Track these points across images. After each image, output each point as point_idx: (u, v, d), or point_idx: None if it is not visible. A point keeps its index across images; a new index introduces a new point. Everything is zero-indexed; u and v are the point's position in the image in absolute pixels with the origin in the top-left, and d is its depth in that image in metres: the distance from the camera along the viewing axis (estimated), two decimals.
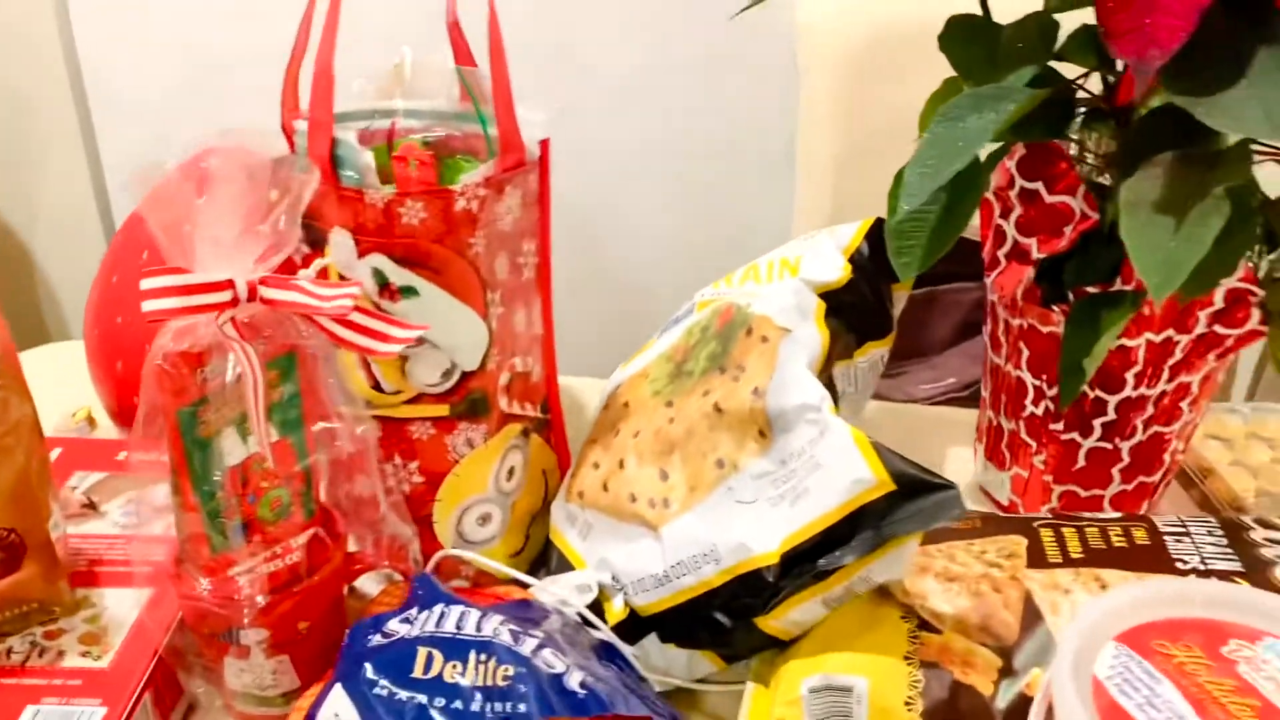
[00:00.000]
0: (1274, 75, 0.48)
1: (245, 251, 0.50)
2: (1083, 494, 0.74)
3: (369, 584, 0.63)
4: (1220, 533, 0.61)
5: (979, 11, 0.67)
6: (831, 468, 0.54)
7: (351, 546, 0.62)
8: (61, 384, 0.89)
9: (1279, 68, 0.48)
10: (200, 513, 0.53)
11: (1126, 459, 0.72)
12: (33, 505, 0.57)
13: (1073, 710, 0.43)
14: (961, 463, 0.86)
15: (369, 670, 0.47)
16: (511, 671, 0.45)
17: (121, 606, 0.61)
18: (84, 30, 1.57)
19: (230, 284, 0.49)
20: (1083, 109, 0.68)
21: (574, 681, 0.46)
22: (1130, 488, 0.73)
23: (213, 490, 0.53)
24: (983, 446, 0.80)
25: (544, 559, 0.69)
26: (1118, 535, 0.61)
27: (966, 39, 0.64)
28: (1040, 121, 0.66)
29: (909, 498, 0.53)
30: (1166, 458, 0.72)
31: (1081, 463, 0.72)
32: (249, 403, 0.50)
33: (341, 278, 0.58)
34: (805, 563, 0.55)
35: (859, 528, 0.54)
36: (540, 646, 0.48)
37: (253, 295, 0.50)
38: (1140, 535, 0.61)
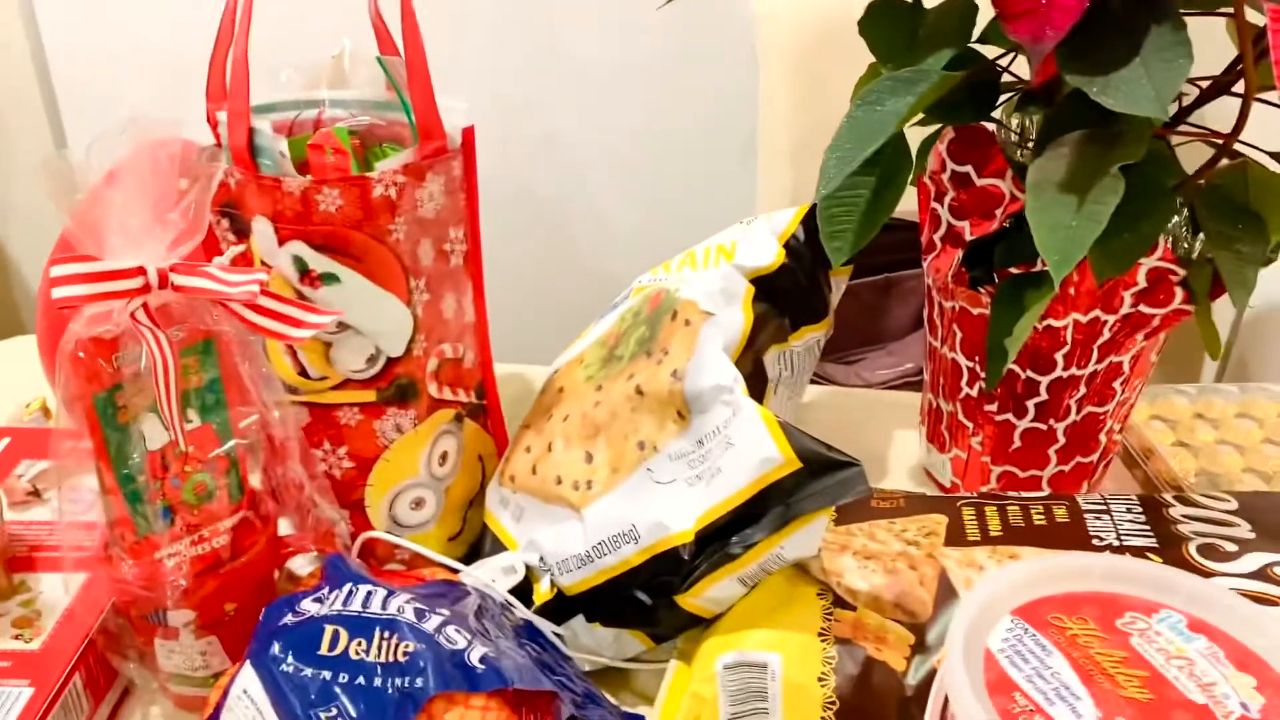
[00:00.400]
0: (1163, 54, 0.49)
1: (156, 239, 0.51)
2: (1021, 474, 0.74)
3: (300, 565, 0.64)
4: (1139, 510, 0.61)
5: None
6: (742, 447, 0.55)
7: (285, 530, 0.63)
8: (20, 376, 0.90)
9: (1168, 45, 0.49)
10: (122, 496, 0.54)
11: (1062, 439, 0.72)
12: None
13: (959, 681, 0.44)
14: (907, 445, 0.86)
15: (276, 648, 0.48)
16: (412, 648, 0.46)
17: (56, 591, 0.62)
18: (51, 29, 1.58)
19: (141, 271, 0.50)
20: (1011, 92, 0.68)
21: (474, 657, 0.47)
22: (1068, 468, 0.74)
23: (132, 474, 0.54)
24: (925, 429, 0.81)
25: (481, 542, 0.70)
26: (1039, 514, 0.62)
27: (886, 23, 0.65)
28: (966, 104, 0.66)
29: (815, 475, 0.54)
30: (1102, 437, 0.73)
31: (1017, 443, 0.73)
32: (157, 389, 0.51)
33: (265, 265, 0.59)
34: (719, 540, 0.56)
35: (768, 505, 0.55)
36: (444, 624, 0.48)
37: (164, 283, 0.51)
38: (1061, 513, 0.62)
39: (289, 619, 0.50)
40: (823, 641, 0.56)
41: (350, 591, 0.50)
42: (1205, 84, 0.63)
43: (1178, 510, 0.61)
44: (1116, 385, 0.70)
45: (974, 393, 0.73)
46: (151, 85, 1.57)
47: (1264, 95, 0.58)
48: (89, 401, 0.51)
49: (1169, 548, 0.58)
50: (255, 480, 0.62)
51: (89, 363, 0.51)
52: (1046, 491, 0.74)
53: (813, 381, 1.03)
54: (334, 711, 0.45)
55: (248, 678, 0.48)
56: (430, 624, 0.48)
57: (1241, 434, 0.82)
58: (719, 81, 1.47)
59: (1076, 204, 0.52)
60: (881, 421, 0.89)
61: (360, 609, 0.49)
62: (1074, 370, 0.69)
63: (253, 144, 0.57)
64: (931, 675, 0.54)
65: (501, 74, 1.52)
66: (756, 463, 0.54)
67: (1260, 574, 0.55)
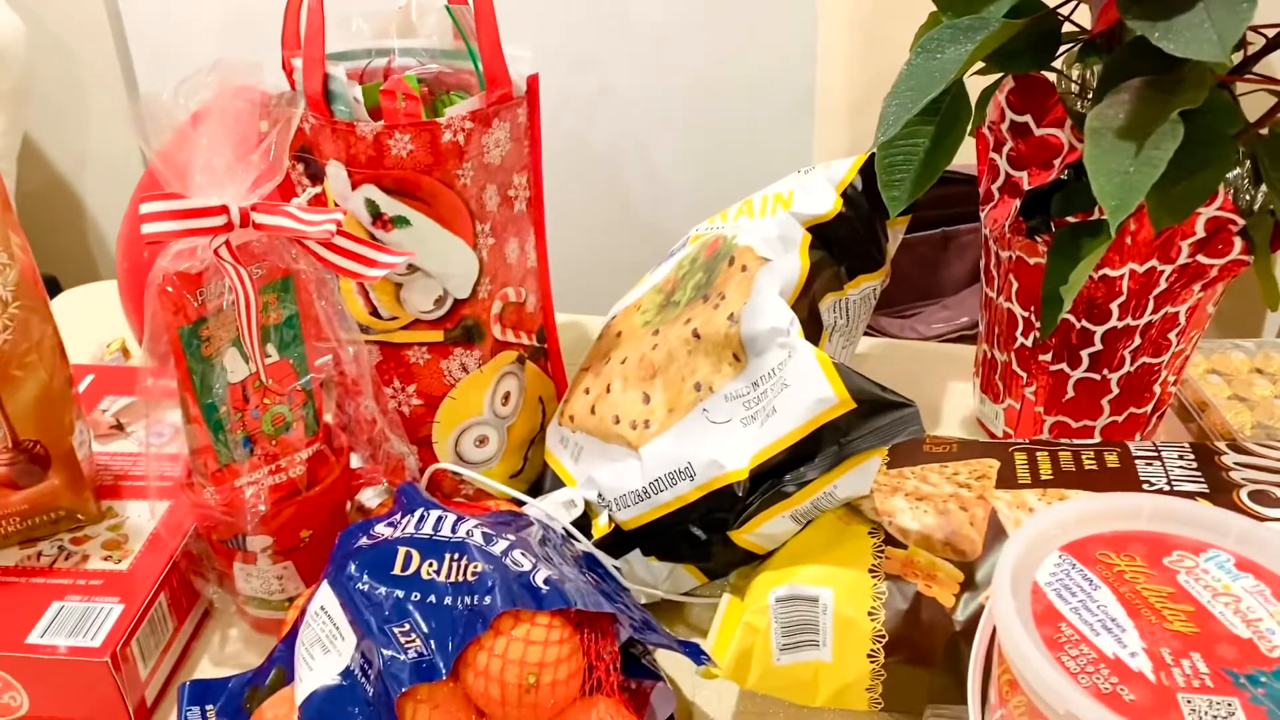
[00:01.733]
0: None
1: (238, 179, 0.53)
2: (1074, 425, 0.75)
3: (370, 497, 0.67)
4: (1191, 456, 0.62)
5: None
6: (797, 388, 0.57)
7: (356, 463, 0.66)
8: (101, 319, 0.94)
9: None
10: (205, 426, 0.57)
11: (1116, 390, 0.73)
12: (56, 419, 0.62)
13: (1006, 611, 0.45)
14: (962, 397, 0.87)
15: (352, 568, 0.50)
16: (480, 568, 0.49)
17: (143, 516, 0.66)
18: None
19: (224, 209, 0.53)
20: (1072, 41, 0.68)
21: (539, 578, 0.49)
22: (1121, 419, 0.74)
23: (215, 405, 0.57)
24: (979, 380, 0.81)
25: (542, 480, 0.72)
26: (1089, 459, 0.63)
27: None
28: (1025, 52, 0.66)
29: (868, 416, 0.55)
30: (1156, 389, 0.73)
31: (1071, 394, 0.73)
32: (240, 323, 0.54)
33: (338, 208, 0.62)
34: (773, 478, 0.58)
35: (822, 445, 0.56)
36: (511, 548, 0.51)
37: (245, 221, 0.53)
38: (1112, 459, 0.62)
39: (364, 541, 0.53)
40: (873, 577, 0.57)
41: (422, 516, 0.53)
42: (1271, 32, 0.63)
43: (1230, 458, 0.61)
44: (1172, 336, 0.70)
45: (1029, 343, 0.74)
46: (222, 34, 1.60)
47: None
48: (175, 334, 0.54)
49: (1220, 493, 0.58)
50: (330, 415, 0.65)
51: (175, 297, 0.53)
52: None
53: (867, 333, 1.04)
54: (407, 627, 0.47)
55: (325, 596, 0.51)
56: (497, 547, 0.51)
57: None
58: (776, 35, 1.46)
59: (1135, 150, 0.53)
60: (936, 373, 0.90)
61: (432, 533, 0.52)
62: (1129, 320, 0.69)
63: (327, 90, 0.60)
64: (979, 612, 0.56)
65: (559, 27, 1.53)
66: (811, 403, 0.56)
67: None
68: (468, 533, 0.51)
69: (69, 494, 0.64)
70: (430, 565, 0.50)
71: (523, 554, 0.50)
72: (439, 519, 0.52)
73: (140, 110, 0.51)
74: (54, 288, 1.22)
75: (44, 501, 0.63)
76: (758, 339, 0.60)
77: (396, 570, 0.50)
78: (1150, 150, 0.52)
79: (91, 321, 0.94)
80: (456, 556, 0.50)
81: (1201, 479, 0.60)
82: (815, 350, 0.57)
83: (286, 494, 0.60)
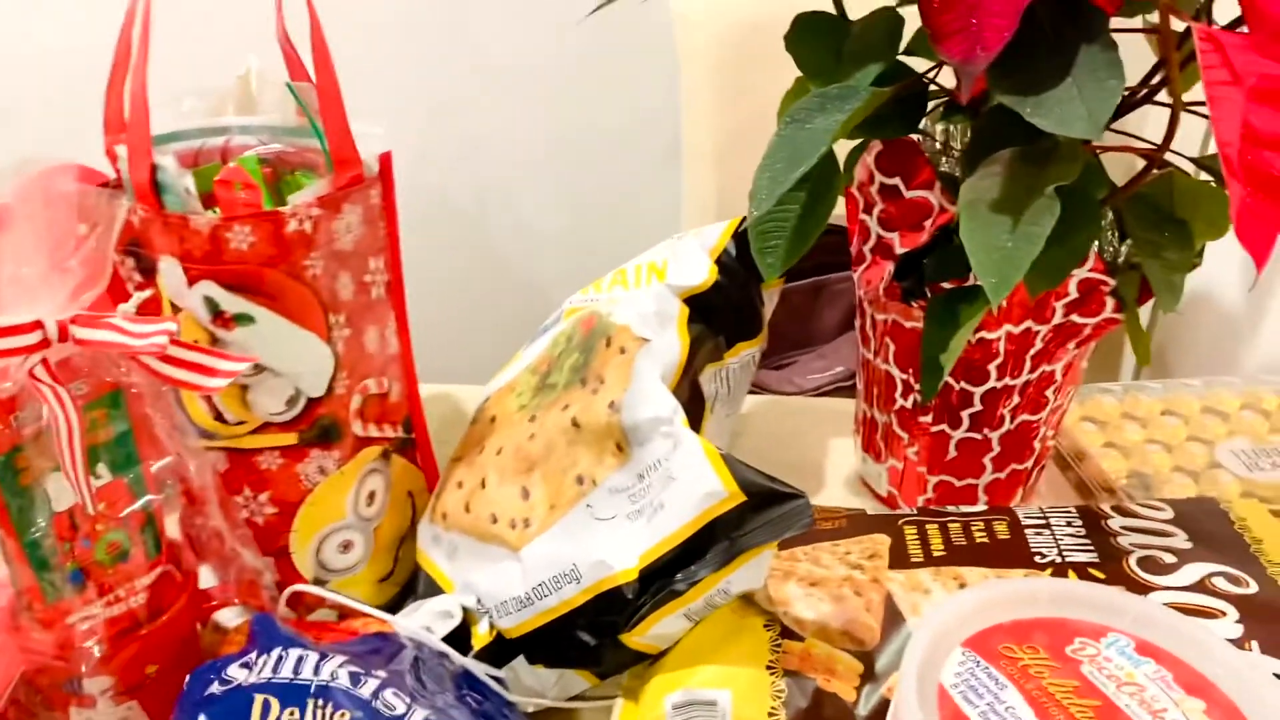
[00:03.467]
0: (1096, 74, 0.48)
1: (54, 289, 0.48)
2: (957, 484, 0.74)
3: (229, 618, 0.61)
4: (1079, 523, 0.61)
5: (830, 8, 0.66)
6: (684, 481, 0.54)
7: (208, 582, 0.60)
8: None
9: (1100, 66, 0.48)
10: (28, 564, 0.51)
11: (997, 448, 0.72)
12: None
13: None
14: (843, 454, 0.86)
15: None
16: (348, 717, 0.44)
17: None
18: None
19: (39, 325, 0.47)
20: (937, 102, 0.68)
21: None
22: (1004, 475, 0.74)
23: (38, 540, 0.50)
24: (860, 439, 0.80)
25: (414, 581, 0.68)
26: (980, 530, 0.62)
27: (813, 38, 0.63)
28: (893, 118, 0.65)
29: (760, 508, 0.52)
30: (1036, 444, 0.73)
31: (953, 453, 0.73)
32: (60, 449, 0.48)
33: (174, 307, 0.56)
34: (663, 577, 0.55)
35: (713, 540, 0.54)
36: (382, 687, 0.46)
37: (64, 336, 0.47)
38: (1002, 529, 0.61)
39: (215, 688, 0.47)
40: (771, 675, 0.55)
41: (280, 656, 0.48)
42: (1125, 92, 0.64)
43: (1116, 521, 0.61)
44: (1049, 393, 0.70)
45: (909, 404, 0.73)
46: (41, 114, 1.49)
47: (1189, 103, 0.58)
48: None
49: (1110, 561, 0.58)
50: (172, 530, 0.59)
51: None
52: (983, 503, 0.74)
53: None
54: None
55: None
56: (366, 688, 0.46)
57: (1168, 431, 0.83)
58: (640, 82, 1.45)
59: (1011, 225, 0.52)
60: (816, 429, 0.88)
61: (291, 675, 0.47)
62: (1007, 380, 0.69)
63: (156, 180, 0.54)
64: (883, 705, 0.54)
65: (414, 76, 1.48)
66: (700, 497, 0.53)
67: (1200, 586, 0.55)
68: (332, 674, 0.46)
69: None
70: (291, 714, 0.45)
71: (395, 694, 0.46)
72: (300, 658, 0.47)
73: None
74: None
75: None
76: (640, 428, 0.57)
77: None
78: (1028, 226, 0.51)
79: None
80: (321, 703, 0.45)
81: (1091, 548, 0.59)
82: (701, 440, 0.54)
83: (127, 627, 0.54)
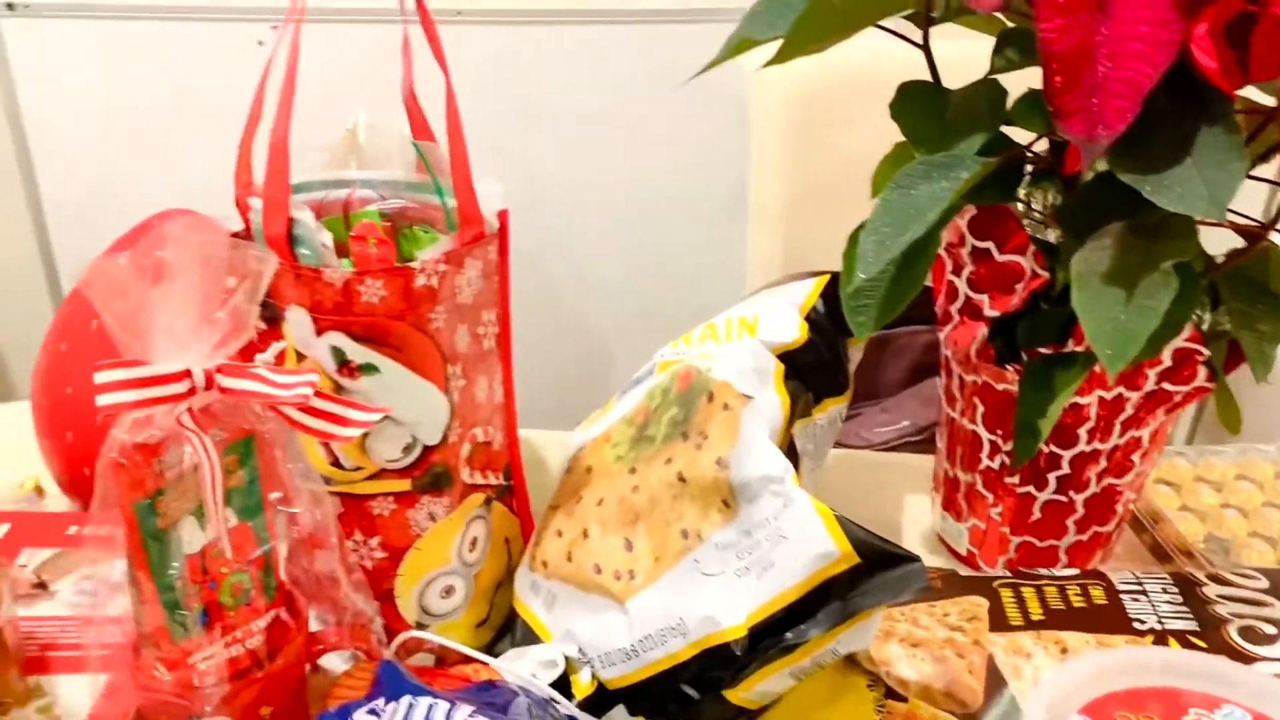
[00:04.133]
0: (1217, 155, 0.50)
1: (202, 339, 0.49)
2: (1039, 544, 0.75)
3: (334, 662, 0.62)
4: (1175, 590, 0.62)
5: (924, 64, 0.68)
6: (796, 540, 0.55)
7: (314, 625, 0.61)
8: (6, 448, 0.87)
9: (1222, 148, 0.50)
10: (160, 605, 0.52)
11: (1081, 510, 0.73)
12: None
13: None
14: (919, 510, 0.87)
15: None
16: None
17: (76, 694, 0.59)
18: (25, 79, 1.53)
19: (187, 374, 0.49)
20: (1030, 169, 0.69)
21: None
22: (1085, 538, 0.74)
23: (171, 582, 0.52)
24: (939, 497, 0.81)
25: (509, 627, 0.69)
26: (1076, 594, 0.62)
27: (917, 107, 0.65)
28: (992, 186, 0.67)
29: (874, 571, 0.53)
30: (1119, 508, 0.74)
31: (1037, 515, 0.73)
32: (205, 493, 0.49)
33: (299, 355, 0.58)
34: (772, 635, 0.55)
35: (825, 600, 0.54)
36: None
37: (210, 384, 0.49)
38: (1098, 595, 0.62)
39: None
40: None
41: (411, 705, 0.49)
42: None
43: (1212, 590, 0.62)
44: (1135, 458, 0.71)
45: (994, 464, 0.73)
46: (134, 151, 1.52)
47: None
48: (130, 510, 0.49)
49: (1210, 630, 0.58)
50: (283, 572, 0.60)
51: (131, 470, 0.49)
52: (1062, 563, 0.74)
53: None
54: None
55: None
56: None
57: (1243, 496, 0.83)
58: (707, 139, 1.47)
59: (1125, 298, 0.53)
60: (891, 485, 0.89)
61: None
62: (1096, 444, 0.70)
63: (291, 233, 0.56)
64: None
65: (487, 123, 1.50)
66: (812, 557, 0.54)
67: None
68: None
69: None
70: None
71: None
72: (430, 707, 0.48)
73: (96, 275, 0.46)
74: None
75: None
76: (750, 485, 0.58)
77: None
78: (1144, 300, 0.52)
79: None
80: None
81: (1190, 615, 0.60)
82: (814, 500, 0.55)
83: (245, 668, 0.55)
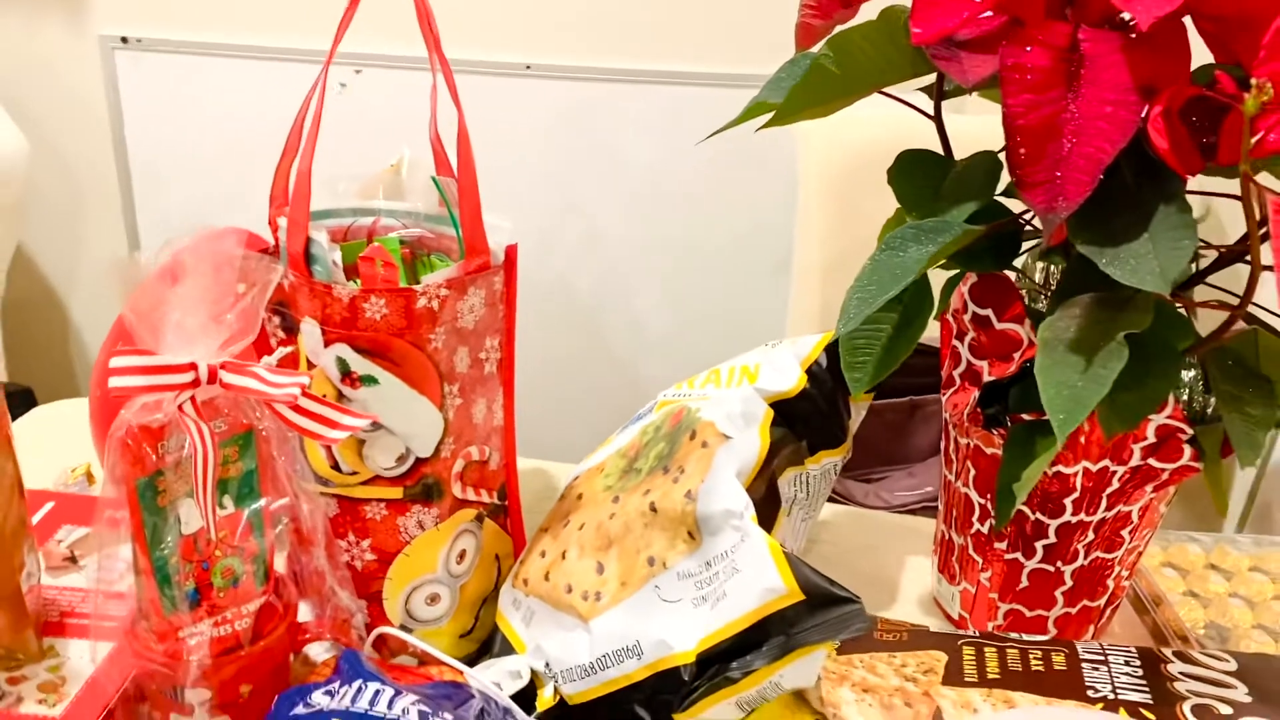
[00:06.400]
0: (1171, 232, 0.51)
1: (210, 337, 0.54)
2: (1028, 614, 0.75)
3: (318, 652, 0.66)
4: (1137, 663, 0.62)
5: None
6: (747, 574, 0.57)
7: (304, 616, 0.66)
8: (70, 439, 0.94)
9: (1175, 225, 0.51)
10: (153, 577, 0.57)
11: (1069, 582, 0.73)
12: (5, 559, 0.61)
13: None
14: (920, 572, 0.87)
15: None
16: None
17: (83, 658, 0.64)
18: (132, 105, 1.66)
19: (193, 367, 0.54)
20: (1036, 242, 0.71)
21: None
22: (1074, 611, 0.74)
23: (165, 556, 0.56)
24: (937, 559, 0.82)
25: (492, 641, 0.72)
26: (1037, 659, 0.63)
27: (914, 173, 0.68)
28: (987, 253, 0.69)
29: (816, 609, 0.55)
30: (1110, 583, 0.74)
31: (1025, 583, 0.74)
32: (195, 478, 0.54)
33: (309, 363, 0.63)
34: (719, 664, 0.58)
35: (769, 634, 0.56)
36: None
37: (213, 378, 0.54)
38: (1059, 660, 0.63)
39: (299, 710, 0.52)
40: None
41: (360, 689, 0.52)
42: (1224, 249, 0.66)
43: (1176, 667, 0.62)
44: (1125, 534, 0.71)
45: (984, 529, 0.74)
46: (217, 166, 1.65)
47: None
48: (132, 485, 0.54)
49: (1163, 705, 0.58)
50: (280, 565, 0.64)
51: (135, 449, 0.54)
52: (1050, 635, 0.74)
53: (832, 499, 1.04)
54: None
55: None
56: None
57: (1254, 588, 0.82)
58: (760, 196, 1.51)
59: (1083, 365, 0.55)
60: (896, 546, 0.90)
61: (368, 708, 0.51)
62: (1083, 516, 0.70)
63: (308, 251, 0.61)
64: None
65: (551, 175, 1.58)
66: (760, 591, 0.56)
67: None
68: (404, 710, 0.51)
69: (10, 633, 0.63)
70: None
71: None
72: (376, 692, 0.52)
73: (121, 269, 0.52)
74: (29, 400, 1.22)
75: None
76: (712, 519, 0.60)
77: None
78: (1098, 368, 0.53)
79: (61, 441, 0.94)
80: None
81: (1146, 689, 0.60)
82: (768, 538, 0.57)
83: (230, 647, 0.60)
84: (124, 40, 1.56)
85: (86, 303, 1.84)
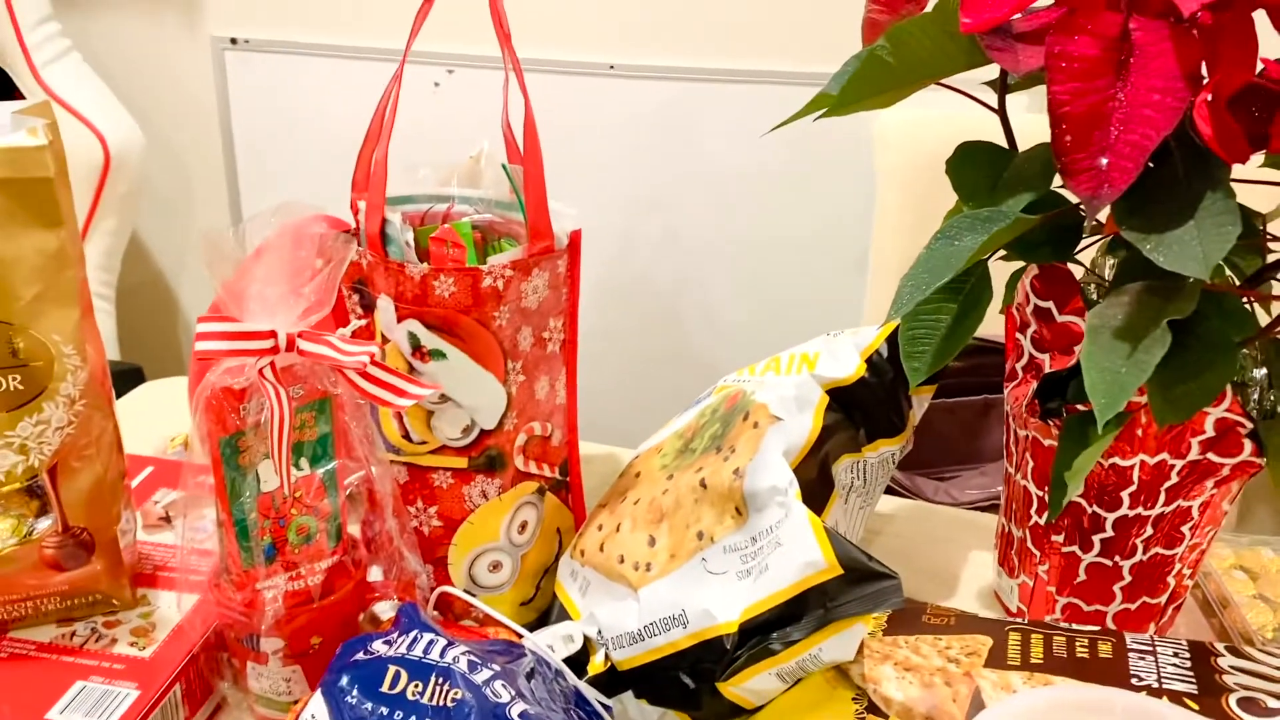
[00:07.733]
0: (1216, 218, 0.51)
1: (289, 308, 0.59)
2: (1085, 608, 0.75)
3: (384, 610, 0.70)
4: (1186, 655, 0.62)
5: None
6: (789, 548, 0.59)
7: (374, 576, 0.70)
8: (174, 412, 1.01)
9: (1220, 211, 0.51)
10: (233, 531, 0.61)
11: (1128, 577, 0.73)
12: (104, 510, 0.67)
13: None
14: (981, 567, 0.87)
15: (344, 680, 0.53)
16: (460, 695, 0.51)
17: (172, 608, 0.70)
18: (239, 102, 1.76)
19: (273, 334, 0.58)
20: (1103, 236, 0.71)
21: (514, 711, 0.51)
22: (1134, 607, 0.74)
23: (244, 512, 0.61)
24: (997, 552, 0.82)
25: (550, 610, 0.75)
26: (1083, 647, 0.63)
27: (972, 164, 0.68)
28: (1046, 244, 0.69)
29: (854, 583, 0.57)
30: (1171, 580, 0.73)
31: (1083, 577, 0.74)
32: (271, 438, 0.58)
33: (384, 338, 0.67)
34: (761, 635, 0.59)
35: (809, 607, 0.58)
36: (494, 678, 0.53)
37: (291, 346, 0.58)
38: (1105, 649, 0.63)
39: (360, 656, 0.56)
40: None
41: (415, 638, 0.56)
42: None
43: (1226, 660, 0.61)
44: (1185, 530, 0.71)
45: (1042, 521, 0.74)
46: (319, 158, 1.73)
47: None
48: (215, 444, 0.59)
49: (1208, 696, 0.58)
50: (353, 528, 0.68)
51: (219, 409, 0.58)
52: (1094, 627, 0.74)
53: (899, 494, 1.05)
54: None
55: (317, 705, 0.54)
56: (480, 676, 0.53)
57: None
58: (838, 195, 1.52)
59: (1128, 351, 0.55)
60: (959, 540, 0.90)
61: (422, 655, 0.54)
62: (1140, 510, 0.70)
63: (384, 232, 0.65)
64: None
65: (634, 171, 1.61)
66: (801, 565, 0.58)
67: None
68: (454, 659, 0.54)
69: (108, 579, 0.68)
70: (415, 686, 0.52)
71: (504, 685, 0.53)
72: (430, 642, 0.55)
73: (210, 243, 0.56)
74: (138, 378, 1.30)
75: (84, 584, 0.67)
76: (759, 495, 0.62)
77: (384, 688, 0.53)
78: (1141, 354, 0.54)
79: (165, 414, 1.00)
80: (440, 680, 0.52)
81: (1192, 679, 0.59)
82: (809, 513, 0.59)
83: (302, 601, 0.64)
84: (233, 41, 1.66)
85: (194, 288, 1.95)
